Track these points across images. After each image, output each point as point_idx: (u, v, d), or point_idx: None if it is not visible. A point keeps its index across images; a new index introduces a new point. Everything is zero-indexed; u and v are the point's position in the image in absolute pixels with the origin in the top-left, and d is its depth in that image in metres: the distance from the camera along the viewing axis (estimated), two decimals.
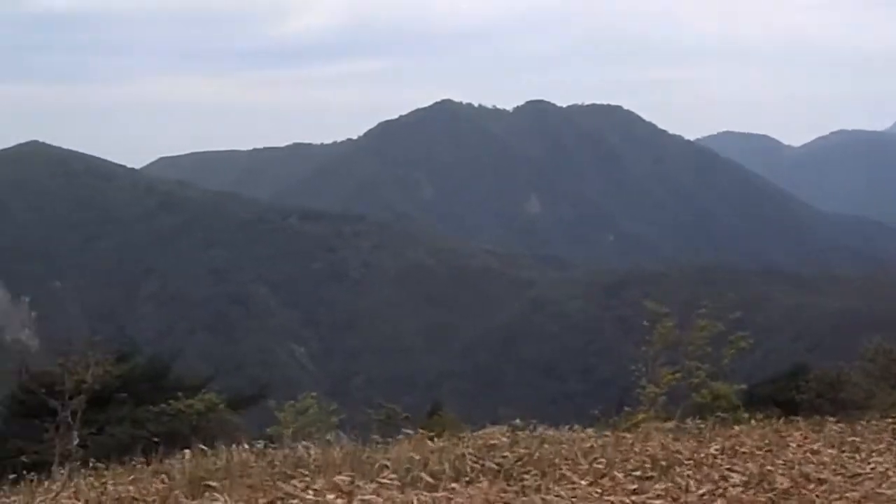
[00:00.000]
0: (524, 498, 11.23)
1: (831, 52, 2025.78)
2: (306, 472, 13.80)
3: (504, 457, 14.19)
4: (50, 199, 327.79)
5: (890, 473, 12.89)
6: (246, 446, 17.80)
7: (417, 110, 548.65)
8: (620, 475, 12.30)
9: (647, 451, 14.78)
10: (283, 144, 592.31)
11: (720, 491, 11.50)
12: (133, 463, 18.04)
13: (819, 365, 51.82)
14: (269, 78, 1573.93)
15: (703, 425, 19.16)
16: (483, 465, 13.73)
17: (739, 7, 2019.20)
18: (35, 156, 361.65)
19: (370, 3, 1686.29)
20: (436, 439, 17.50)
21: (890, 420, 20.04)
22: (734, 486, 11.76)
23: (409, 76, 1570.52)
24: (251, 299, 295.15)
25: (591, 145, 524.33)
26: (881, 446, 15.80)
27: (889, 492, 11.83)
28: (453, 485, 11.99)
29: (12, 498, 16.16)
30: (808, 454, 14.36)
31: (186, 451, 17.61)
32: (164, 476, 15.50)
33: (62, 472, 20.10)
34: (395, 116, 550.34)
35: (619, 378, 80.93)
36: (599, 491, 11.47)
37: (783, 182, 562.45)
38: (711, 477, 12.36)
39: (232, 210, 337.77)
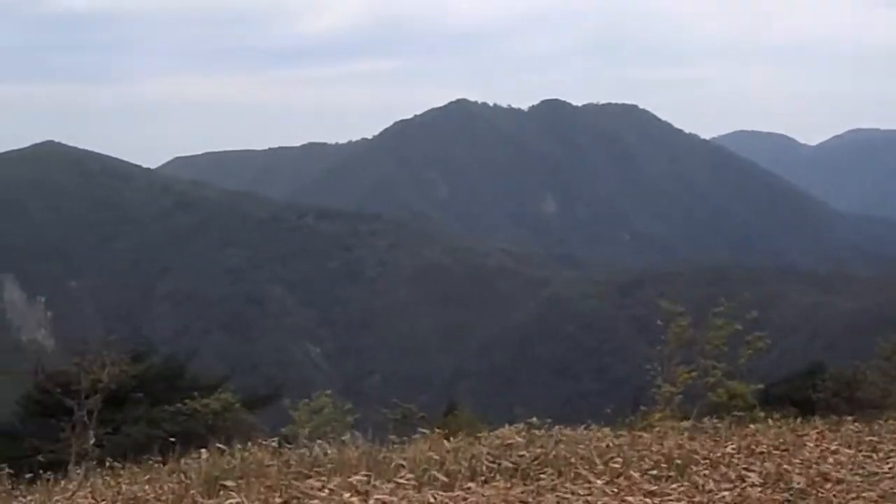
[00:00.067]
0: (540, 497, 11.21)
1: (848, 51, 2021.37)
2: (322, 472, 13.81)
3: (520, 456, 14.15)
4: (66, 199, 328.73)
5: None
6: (262, 445, 17.80)
7: (433, 110, 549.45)
8: (637, 474, 12.27)
9: (663, 450, 14.75)
10: (298, 144, 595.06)
11: (737, 490, 11.47)
12: (149, 462, 18.07)
13: (835, 364, 51.72)
14: (284, 77, 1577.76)
15: (719, 424, 19.09)
16: (499, 465, 13.71)
17: (756, 6, 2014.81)
18: (51, 156, 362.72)
19: (386, 2, 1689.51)
20: (452, 439, 17.48)
21: None
22: (752, 485, 11.73)
23: (425, 76, 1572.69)
24: (267, 299, 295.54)
25: (606, 144, 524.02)
26: None
27: None
28: (469, 484, 11.97)
29: (29, 497, 16.19)
30: (825, 454, 14.30)
31: (202, 450, 17.62)
32: (180, 475, 15.50)
33: (78, 471, 20.17)
34: (411, 116, 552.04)
35: (633, 377, 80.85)
36: (616, 490, 11.45)
37: (799, 181, 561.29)
38: (728, 476, 12.32)
39: (247, 209, 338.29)
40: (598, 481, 11.91)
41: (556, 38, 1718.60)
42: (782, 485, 11.95)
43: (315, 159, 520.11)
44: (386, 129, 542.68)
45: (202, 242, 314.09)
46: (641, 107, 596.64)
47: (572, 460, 13.99)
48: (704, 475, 12.39)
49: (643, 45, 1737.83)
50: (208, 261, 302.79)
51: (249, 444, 17.93)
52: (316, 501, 11.11)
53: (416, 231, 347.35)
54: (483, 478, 13.00)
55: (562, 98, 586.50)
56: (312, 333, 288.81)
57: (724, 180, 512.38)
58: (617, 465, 13.23)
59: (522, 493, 11.41)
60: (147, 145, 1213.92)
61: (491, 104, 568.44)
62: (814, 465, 13.08)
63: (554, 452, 14.63)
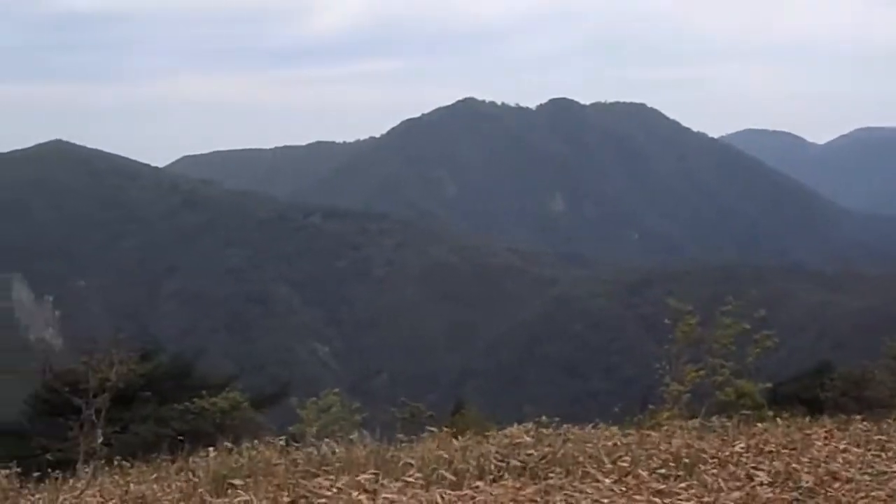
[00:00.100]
0: (549, 496, 11.21)
1: (856, 50, 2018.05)
2: (330, 471, 13.82)
3: (528, 455, 14.16)
4: (73, 198, 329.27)
5: None
6: (269, 444, 17.83)
7: (440, 109, 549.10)
8: (645, 473, 12.25)
9: (671, 449, 14.74)
10: (305, 143, 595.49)
11: (746, 489, 11.46)
12: (158, 461, 18.10)
13: (843, 363, 51.68)
14: (292, 77, 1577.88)
15: (727, 423, 19.08)
16: (507, 464, 13.72)
17: (765, 4, 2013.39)
18: (58, 155, 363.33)
19: (393, 1, 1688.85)
20: (460, 437, 17.49)
21: None
22: (760, 484, 11.71)
23: (432, 74, 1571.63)
24: (274, 298, 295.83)
25: (614, 143, 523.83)
26: None
27: None
28: (478, 483, 11.98)
29: (38, 496, 16.21)
30: (834, 453, 14.28)
31: (210, 449, 17.66)
32: (188, 474, 15.53)
33: (87, 469, 20.17)
34: (418, 115, 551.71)
35: (642, 376, 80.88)
36: (624, 489, 11.44)
37: (807, 180, 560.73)
38: (737, 475, 12.31)
39: (255, 208, 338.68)
40: (607, 480, 11.91)
41: (563, 37, 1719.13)
42: (791, 484, 11.94)
43: (322, 158, 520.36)
44: (393, 128, 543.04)
45: (210, 241, 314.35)
46: (649, 106, 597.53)
47: (580, 459, 14.00)
48: (713, 474, 12.39)
49: (651, 44, 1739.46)
50: (216, 260, 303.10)
51: (257, 442, 17.97)
52: (324, 500, 11.13)
53: (423, 230, 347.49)
54: (491, 476, 13.01)
55: (570, 97, 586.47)
56: (320, 332, 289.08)
57: (731, 179, 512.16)
58: (625, 464, 13.22)
59: (531, 491, 11.41)
60: (155, 144, 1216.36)
61: (499, 103, 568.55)
62: (822, 464, 13.05)
63: (562, 451, 14.64)
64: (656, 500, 11.02)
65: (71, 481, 17.27)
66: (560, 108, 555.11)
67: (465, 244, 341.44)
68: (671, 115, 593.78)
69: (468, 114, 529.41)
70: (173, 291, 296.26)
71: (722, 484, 11.75)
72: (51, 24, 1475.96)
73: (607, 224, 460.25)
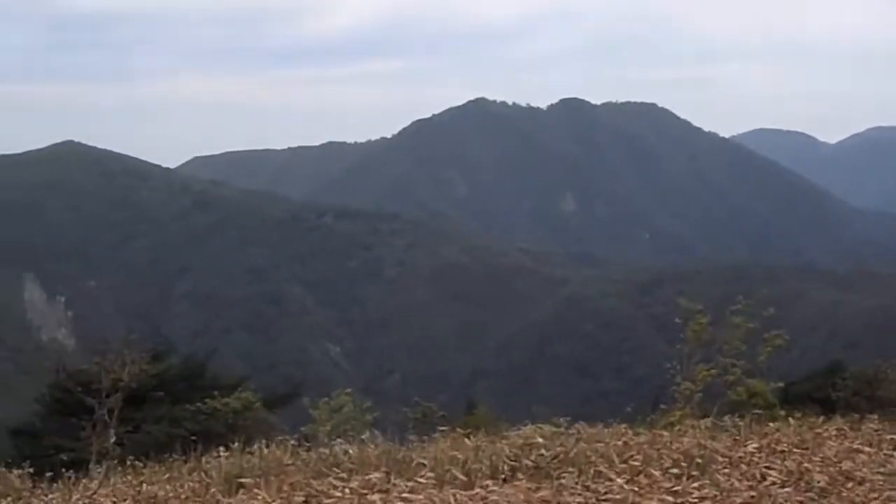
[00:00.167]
0: (561, 496, 11.21)
1: (868, 49, 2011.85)
2: (342, 471, 13.83)
3: (540, 455, 14.16)
4: (85, 198, 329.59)
5: None
6: (281, 444, 17.86)
7: (451, 109, 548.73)
8: (657, 473, 12.24)
9: (683, 448, 14.73)
10: (317, 143, 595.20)
11: (758, 489, 11.45)
12: (170, 461, 18.15)
13: (855, 362, 51.52)
14: (302, 77, 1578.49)
15: (739, 423, 19.05)
16: (520, 463, 13.72)
17: (777, 3, 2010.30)
18: (70, 155, 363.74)
19: (404, 1, 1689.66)
20: (472, 437, 17.50)
21: None
22: (773, 484, 11.71)
23: (443, 75, 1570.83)
24: (286, 298, 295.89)
25: (625, 143, 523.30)
26: None
27: None
28: (489, 483, 11.98)
29: (50, 495, 16.26)
30: (847, 452, 14.27)
31: (223, 449, 17.70)
32: (200, 474, 15.56)
33: (99, 469, 20.22)
34: (429, 115, 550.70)
35: (653, 376, 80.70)
36: (636, 488, 11.43)
37: (818, 179, 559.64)
38: (749, 475, 12.30)
39: (266, 209, 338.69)
40: (619, 479, 11.91)
41: (574, 36, 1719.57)
42: (803, 483, 11.93)
43: (334, 159, 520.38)
44: (404, 129, 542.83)
45: (221, 242, 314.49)
46: (660, 105, 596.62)
47: (592, 459, 14.00)
48: (725, 474, 12.38)
49: (662, 44, 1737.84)
50: (227, 260, 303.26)
51: (269, 442, 18.00)
52: (336, 500, 11.14)
53: (434, 230, 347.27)
54: (503, 476, 13.01)
55: (581, 97, 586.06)
56: (331, 333, 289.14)
57: (743, 178, 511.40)
58: (637, 464, 13.22)
59: (543, 490, 11.41)
60: (166, 145, 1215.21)
61: (509, 103, 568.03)
62: (835, 464, 13.04)
63: (574, 451, 14.63)
64: (668, 499, 11.02)
65: (84, 481, 17.32)
66: (571, 108, 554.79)
67: (475, 244, 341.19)
68: (682, 115, 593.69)
69: (479, 114, 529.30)
70: (185, 292, 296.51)
71: (734, 483, 11.75)
72: (63, 25, 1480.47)
73: (618, 224, 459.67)
